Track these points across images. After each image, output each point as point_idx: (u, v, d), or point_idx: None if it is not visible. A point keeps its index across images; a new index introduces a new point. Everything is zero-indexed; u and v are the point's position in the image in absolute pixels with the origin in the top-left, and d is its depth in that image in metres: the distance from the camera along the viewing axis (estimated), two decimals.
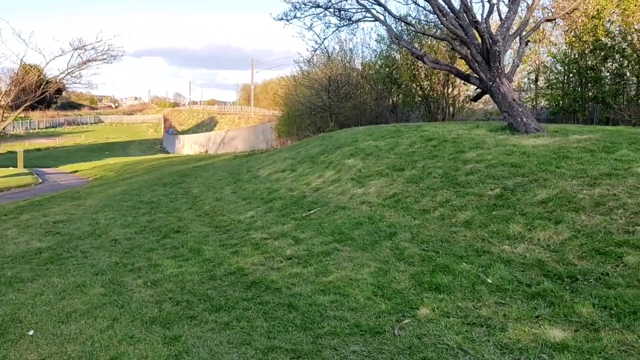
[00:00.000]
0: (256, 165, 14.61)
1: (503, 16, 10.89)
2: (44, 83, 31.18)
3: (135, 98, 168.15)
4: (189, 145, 55.70)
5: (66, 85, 35.93)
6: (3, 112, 29.56)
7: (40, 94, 31.18)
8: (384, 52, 21.32)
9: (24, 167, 36.71)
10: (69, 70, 30.40)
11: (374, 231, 6.16)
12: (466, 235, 5.43)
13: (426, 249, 5.33)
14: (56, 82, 32.46)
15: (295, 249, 6.11)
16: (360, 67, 24.12)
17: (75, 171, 36.05)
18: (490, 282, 4.31)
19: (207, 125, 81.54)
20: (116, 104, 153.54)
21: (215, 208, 9.74)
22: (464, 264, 4.76)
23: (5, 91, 30.82)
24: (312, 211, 7.75)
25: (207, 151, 46.94)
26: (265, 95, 70.24)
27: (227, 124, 73.71)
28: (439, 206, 6.44)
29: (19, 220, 10.19)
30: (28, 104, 31.34)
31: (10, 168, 34.66)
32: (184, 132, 75.85)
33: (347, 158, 10.45)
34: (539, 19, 12.76)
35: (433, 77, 18.48)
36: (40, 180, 28.07)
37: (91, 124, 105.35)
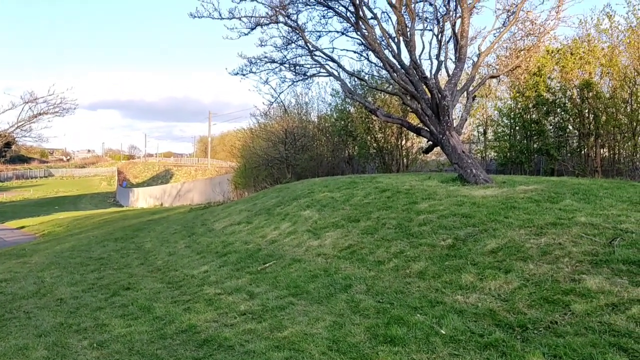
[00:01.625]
0: (212, 218, 14.40)
1: (450, 72, 11.42)
2: None
3: (89, 151, 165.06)
4: (143, 198, 54.55)
5: (16, 139, 34.96)
6: None
7: None
8: (339, 105, 21.82)
9: None
10: (19, 124, 29.70)
11: (329, 284, 6.11)
12: (420, 286, 5.46)
13: (381, 300, 5.32)
14: (5, 136, 31.58)
15: (250, 304, 5.98)
16: (316, 119, 24.54)
17: (22, 227, 34.55)
18: (444, 333, 4.31)
19: (162, 177, 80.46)
20: (68, 157, 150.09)
21: (168, 263, 9.48)
22: (418, 315, 4.76)
23: None
24: (267, 264, 7.65)
25: (162, 204, 46.05)
26: (223, 147, 70.25)
27: (183, 176, 72.95)
28: (393, 257, 6.48)
29: None
30: None
31: None
32: (138, 185, 74.48)
33: (304, 209, 10.47)
34: (484, 75, 13.43)
35: (387, 130, 18.96)
36: None
37: (41, 177, 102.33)
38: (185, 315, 5.86)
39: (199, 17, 12.64)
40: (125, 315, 6.18)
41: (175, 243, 11.68)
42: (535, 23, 12.65)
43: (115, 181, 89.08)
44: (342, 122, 20.92)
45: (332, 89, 24.91)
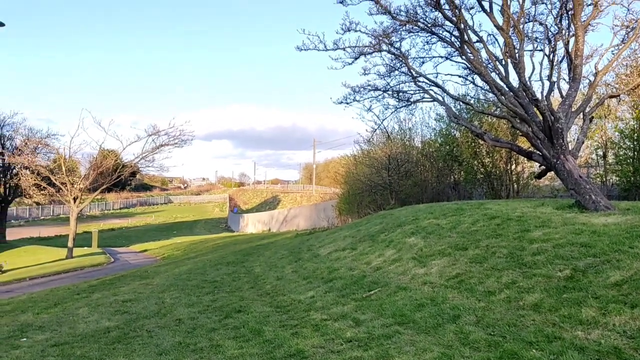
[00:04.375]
0: (317, 243, 14.68)
1: (564, 93, 10.84)
2: (120, 167, 33.44)
3: (203, 179, 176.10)
4: (252, 224, 56.84)
5: (140, 168, 38.31)
6: (81, 195, 31.70)
7: (116, 177, 33.41)
8: (443, 130, 21.46)
9: (98, 246, 38.50)
10: (143, 155, 32.62)
11: (436, 313, 5.97)
12: (535, 319, 5.16)
13: (492, 333, 5.09)
14: (131, 166, 34.79)
15: (356, 331, 6.00)
16: (420, 145, 24.30)
17: (145, 250, 37.42)
18: None
19: (270, 203, 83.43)
20: (185, 185, 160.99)
21: (276, 287, 9.78)
22: (533, 350, 4.50)
23: (85, 175, 33.28)
24: (372, 292, 7.64)
25: (269, 229, 47.69)
26: (327, 174, 71.68)
27: (289, 203, 75.10)
28: (504, 288, 6.20)
29: (90, 299, 10.63)
30: (105, 186, 33.55)
31: (85, 248, 36.44)
32: (248, 211, 77.82)
33: (408, 237, 10.35)
34: (603, 95, 12.56)
35: (495, 154, 18.29)
36: (112, 260, 29.28)
37: (161, 204, 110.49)
38: (293, 340, 6.00)
39: (305, 49, 13.15)
40: (238, 337, 6.45)
41: (282, 268, 12.03)
42: None
43: (227, 207, 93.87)
44: (447, 147, 20.51)
45: (437, 114, 24.60)
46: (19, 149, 35.13)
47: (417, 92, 13.69)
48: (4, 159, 37.72)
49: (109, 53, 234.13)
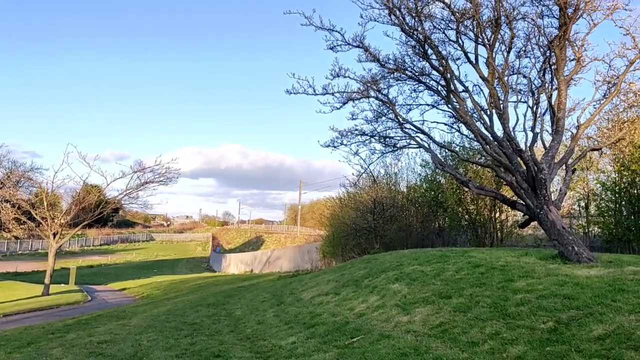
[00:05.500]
0: (300, 287, 14.49)
1: (547, 144, 11.05)
2: (103, 203, 33.06)
3: (187, 217, 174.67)
4: (234, 264, 56.13)
5: (123, 205, 37.93)
6: (62, 230, 31.16)
7: (99, 213, 32.98)
8: (428, 176, 21.67)
9: (75, 283, 37.59)
10: (128, 191, 32.35)
11: None
12: None
13: None
14: (114, 202, 34.41)
15: None
16: (405, 190, 24.47)
17: (124, 289, 36.64)
18: None
19: (253, 244, 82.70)
20: (168, 223, 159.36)
21: (257, 332, 9.58)
22: None
23: (66, 210, 32.80)
24: (355, 339, 7.51)
25: (252, 270, 47.09)
26: (312, 215, 71.48)
27: (273, 243, 74.54)
28: (488, 338, 6.13)
29: (65, 339, 10.30)
30: (86, 222, 33.04)
31: (62, 285, 35.54)
32: (231, 251, 77.02)
33: (392, 283, 10.28)
34: (585, 148, 12.84)
35: (479, 202, 18.44)
36: (89, 298, 28.59)
37: (143, 241, 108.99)
38: None
39: (294, 93, 13.33)
40: None
41: (264, 312, 11.82)
42: (639, 94, 12.06)
43: (209, 246, 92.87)
44: (432, 193, 20.67)
45: (422, 160, 24.88)
46: (1, 182, 34.66)
47: (404, 138, 13.87)
48: None
49: (97, 87, 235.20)
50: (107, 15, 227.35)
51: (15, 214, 31.54)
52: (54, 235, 30.71)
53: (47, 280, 30.21)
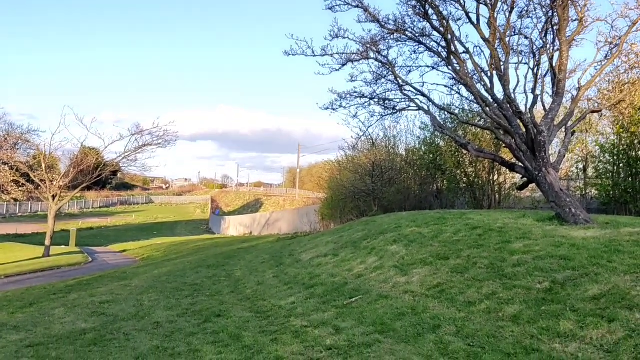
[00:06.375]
0: (299, 248, 14.64)
1: (547, 107, 10.98)
2: (101, 165, 33.00)
3: (185, 179, 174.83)
4: (234, 227, 56.54)
5: (122, 167, 37.85)
6: (61, 192, 31.20)
7: (97, 175, 32.95)
8: (427, 139, 21.59)
9: (76, 245, 37.87)
10: (126, 154, 32.21)
11: (417, 323, 5.98)
12: (514, 330, 5.21)
13: (472, 344, 5.12)
14: (113, 165, 34.32)
15: (336, 338, 5.98)
16: (404, 152, 24.42)
17: (124, 250, 36.95)
18: None
19: (252, 206, 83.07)
20: (167, 185, 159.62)
21: (256, 292, 9.73)
22: None
23: (65, 172, 32.75)
24: (353, 299, 7.64)
25: (251, 232, 47.48)
26: (311, 179, 71.61)
27: (272, 206, 74.86)
28: (485, 298, 6.24)
29: (67, 299, 10.45)
30: (85, 185, 33.06)
31: (63, 247, 35.80)
32: (230, 213, 77.37)
33: (390, 244, 10.38)
34: (585, 110, 12.76)
35: (478, 164, 18.45)
36: (90, 259, 28.84)
37: (142, 204, 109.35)
38: (273, 346, 5.96)
39: (292, 54, 13.15)
40: (216, 342, 6.39)
41: (263, 273, 11.97)
42: None
43: (208, 209, 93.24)
44: (431, 156, 20.65)
45: (421, 122, 24.76)
46: None
47: (403, 100, 13.77)
48: None
49: (94, 51, 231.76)
50: None
51: (13, 176, 31.48)
52: (53, 197, 30.77)
53: (47, 242, 30.45)
